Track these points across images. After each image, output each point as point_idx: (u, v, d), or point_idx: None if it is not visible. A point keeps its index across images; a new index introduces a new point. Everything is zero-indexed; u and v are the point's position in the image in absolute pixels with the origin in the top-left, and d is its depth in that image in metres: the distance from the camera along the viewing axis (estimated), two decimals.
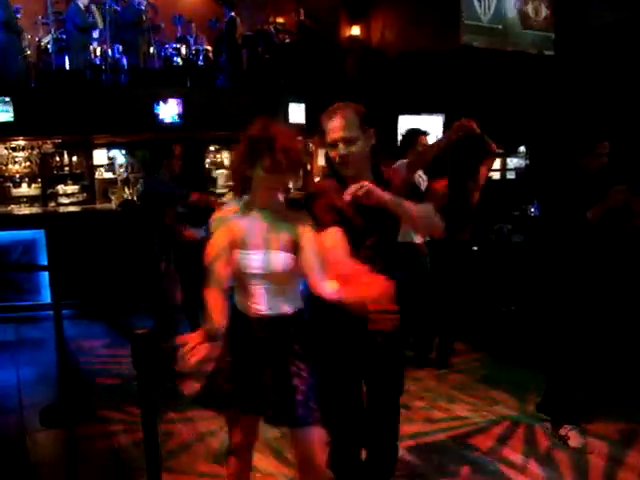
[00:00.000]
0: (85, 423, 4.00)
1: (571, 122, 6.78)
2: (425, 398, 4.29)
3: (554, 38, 8.74)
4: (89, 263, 6.57)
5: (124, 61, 8.86)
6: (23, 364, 5.21)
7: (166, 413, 4.04)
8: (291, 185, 2.30)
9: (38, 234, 6.80)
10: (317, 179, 2.21)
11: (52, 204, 8.28)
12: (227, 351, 2.33)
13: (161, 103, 8.25)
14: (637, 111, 6.77)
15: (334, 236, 2.22)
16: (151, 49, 9.44)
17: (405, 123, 7.98)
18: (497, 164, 8.81)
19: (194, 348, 2.06)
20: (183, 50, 9.83)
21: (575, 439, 3.56)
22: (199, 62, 9.82)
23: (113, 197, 8.43)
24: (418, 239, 4.55)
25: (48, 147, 8.39)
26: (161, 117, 8.28)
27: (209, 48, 10.12)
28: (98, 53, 8.75)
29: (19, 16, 8.47)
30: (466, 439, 3.69)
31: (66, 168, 8.68)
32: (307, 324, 2.37)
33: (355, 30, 10.41)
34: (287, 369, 2.25)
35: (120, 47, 8.90)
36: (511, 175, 9.57)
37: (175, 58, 9.72)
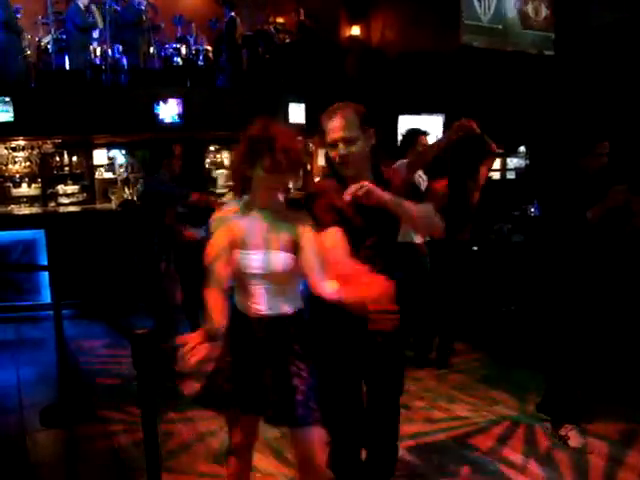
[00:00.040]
0: (85, 423, 4.00)
1: (571, 122, 6.78)
2: (425, 398, 4.29)
3: (554, 38, 8.74)
4: (89, 263, 6.57)
5: (124, 61, 8.86)
6: (23, 364, 5.21)
7: (166, 413, 4.04)
8: (291, 185, 2.30)
9: (38, 234, 6.80)
10: (317, 179, 2.20)
11: (52, 204, 8.28)
12: (227, 351, 2.33)
13: (161, 103, 8.25)
14: (637, 111, 6.77)
15: (334, 236, 2.22)
16: (151, 49, 9.44)
17: (405, 123, 7.98)
18: (497, 164, 8.81)
19: (194, 348, 2.06)
20: (183, 50, 9.83)
21: (575, 439, 3.56)
22: (199, 62, 9.83)
23: (113, 197, 8.43)
24: (418, 239, 4.55)
25: (48, 147, 8.38)
26: (161, 117, 8.28)
27: (209, 48, 10.12)
28: (98, 53, 8.75)
29: (19, 16, 8.47)
30: (466, 439, 3.69)
31: (66, 168, 8.67)
32: (307, 324, 2.37)
33: (355, 30, 10.41)
34: (287, 369, 2.25)
35: (120, 47, 8.90)
36: (511, 175, 9.57)
37: (175, 58, 9.73)
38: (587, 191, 3.43)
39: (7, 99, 7.60)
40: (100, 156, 8.73)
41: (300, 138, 2.28)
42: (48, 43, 8.89)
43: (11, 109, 7.62)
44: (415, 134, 4.52)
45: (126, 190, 8.58)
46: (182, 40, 10.04)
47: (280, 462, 3.36)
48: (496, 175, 8.97)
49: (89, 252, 6.65)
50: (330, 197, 2.33)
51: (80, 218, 7.55)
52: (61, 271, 4.95)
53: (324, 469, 2.35)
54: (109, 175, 8.76)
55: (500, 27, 8.43)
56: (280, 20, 10.79)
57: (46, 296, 6.65)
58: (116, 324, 3.09)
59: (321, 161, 9.02)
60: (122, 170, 8.76)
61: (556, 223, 3.62)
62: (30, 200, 8.37)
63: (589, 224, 3.41)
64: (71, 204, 8.34)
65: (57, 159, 8.59)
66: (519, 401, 4.22)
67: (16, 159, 8.38)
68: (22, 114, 7.65)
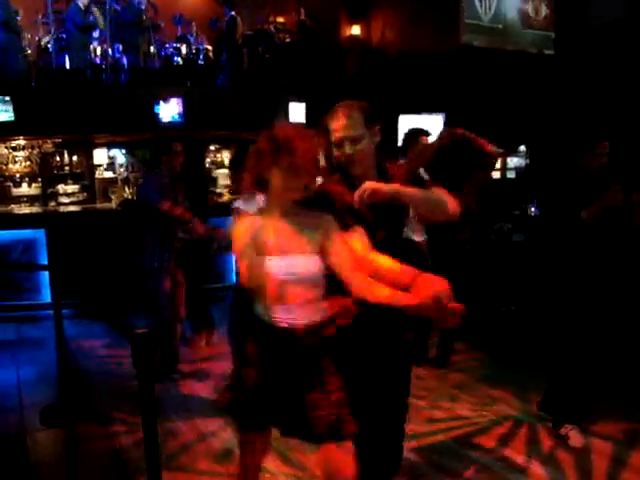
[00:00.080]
0: (85, 423, 4.00)
1: (571, 121, 6.78)
2: (426, 398, 4.28)
3: (554, 37, 8.74)
4: (89, 262, 6.57)
5: (124, 60, 8.86)
6: (23, 363, 5.21)
7: (166, 413, 4.04)
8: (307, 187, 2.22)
9: (38, 233, 6.80)
10: (319, 179, 2.19)
11: (52, 203, 8.27)
12: (252, 364, 2.22)
13: (161, 102, 8.24)
14: (637, 111, 6.77)
15: (362, 237, 2.20)
16: (151, 48, 9.42)
17: (405, 123, 7.97)
18: (497, 163, 8.80)
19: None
20: (183, 49, 9.83)
21: (575, 438, 3.55)
22: (199, 61, 9.82)
23: (113, 196, 8.43)
24: (418, 237, 4.54)
25: (48, 146, 8.38)
26: (161, 116, 8.27)
27: (209, 47, 10.12)
28: (98, 52, 8.75)
29: (19, 18, 8.46)
30: (468, 439, 3.69)
31: (66, 167, 8.65)
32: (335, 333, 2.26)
33: (355, 29, 10.40)
34: (314, 381, 2.16)
35: (120, 46, 8.90)
36: (511, 174, 9.56)
37: (175, 57, 9.72)
38: (586, 191, 3.43)
39: (7, 98, 7.59)
40: (100, 155, 8.72)
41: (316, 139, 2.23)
42: (48, 42, 8.88)
43: (11, 108, 7.61)
44: (416, 134, 4.50)
45: (126, 189, 8.58)
46: (182, 39, 10.04)
47: (281, 461, 3.35)
48: (496, 174, 8.96)
49: (89, 251, 6.64)
50: (345, 198, 2.30)
51: (80, 217, 7.55)
52: (61, 270, 4.95)
53: None
54: (109, 174, 8.75)
55: (500, 26, 8.43)
56: (280, 20, 10.79)
57: (46, 295, 6.65)
58: (116, 324, 3.08)
59: (321, 161, 9.00)
60: (122, 169, 8.76)
61: (554, 222, 3.62)
62: (30, 199, 8.36)
63: (584, 223, 3.41)
64: (71, 203, 8.33)
65: (57, 158, 8.58)
66: (520, 400, 4.22)
67: (16, 158, 8.37)
68: (22, 113, 7.64)
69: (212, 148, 9.45)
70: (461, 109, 7.99)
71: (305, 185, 2.15)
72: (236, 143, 8.29)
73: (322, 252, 2.15)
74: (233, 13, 9.55)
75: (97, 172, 8.66)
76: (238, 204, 3.37)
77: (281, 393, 2.18)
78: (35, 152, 8.38)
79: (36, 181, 8.45)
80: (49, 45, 8.85)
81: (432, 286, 1.95)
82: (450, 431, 3.80)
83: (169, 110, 8.29)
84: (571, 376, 3.63)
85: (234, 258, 2.18)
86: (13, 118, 7.62)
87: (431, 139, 4.51)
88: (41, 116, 7.74)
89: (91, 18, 8.75)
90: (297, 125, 2.22)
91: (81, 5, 8.59)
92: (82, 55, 8.59)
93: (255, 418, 2.21)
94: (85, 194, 8.58)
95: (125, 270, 5.53)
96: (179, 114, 8.30)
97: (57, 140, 8.36)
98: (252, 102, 8.40)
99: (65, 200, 8.40)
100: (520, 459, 3.42)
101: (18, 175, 8.37)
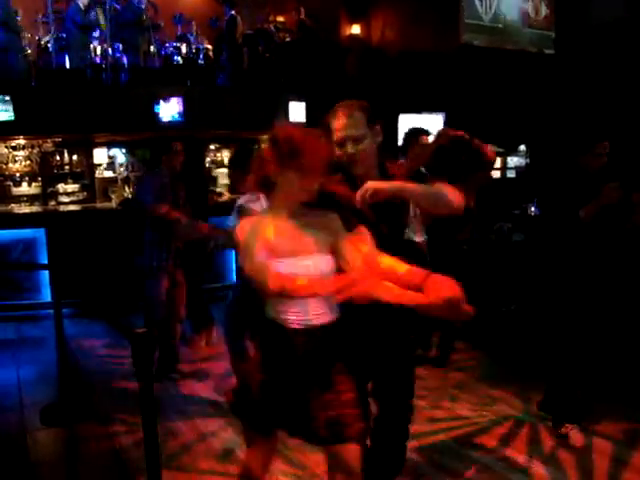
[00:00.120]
0: (85, 422, 4.00)
1: (571, 121, 6.78)
2: (427, 398, 4.27)
3: (554, 37, 8.75)
4: (89, 262, 6.56)
5: (124, 60, 8.84)
6: (23, 363, 5.21)
7: (166, 413, 4.04)
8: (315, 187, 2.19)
9: (38, 233, 6.80)
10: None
11: (52, 203, 8.26)
12: (263, 365, 2.22)
13: (161, 102, 8.23)
14: (637, 111, 6.77)
15: (368, 238, 2.19)
16: (151, 48, 9.41)
17: (406, 122, 7.97)
18: (497, 163, 8.80)
19: None
20: (183, 49, 9.81)
21: (576, 438, 3.55)
22: (199, 61, 9.81)
23: (113, 196, 8.42)
24: (418, 237, 4.53)
25: (48, 146, 8.37)
26: (161, 116, 8.26)
27: (209, 47, 10.10)
28: (98, 52, 8.73)
29: (19, 18, 8.45)
30: (468, 439, 3.69)
31: (66, 167, 8.64)
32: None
33: (355, 29, 10.40)
34: (325, 383, 2.15)
35: (120, 46, 8.88)
36: (511, 174, 9.56)
37: (175, 57, 9.70)
38: (586, 190, 3.43)
39: (7, 98, 7.57)
40: (100, 155, 8.71)
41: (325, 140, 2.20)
42: (48, 42, 8.87)
43: (11, 108, 7.60)
44: (417, 133, 4.50)
45: (126, 189, 8.57)
46: (182, 39, 10.02)
47: (281, 461, 3.33)
48: (496, 174, 8.97)
49: (89, 251, 6.64)
50: (350, 199, 2.28)
51: (80, 217, 7.54)
52: (61, 270, 4.95)
53: None
54: (109, 174, 8.74)
55: (500, 26, 8.44)
56: (280, 19, 10.78)
57: (46, 295, 6.65)
58: (116, 323, 3.08)
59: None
60: (122, 169, 8.74)
61: (554, 222, 3.62)
62: (30, 199, 8.35)
63: (582, 223, 3.41)
64: (71, 203, 8.32)
65: (57, 158, 8.57)
66: (521, 400, 4.22)
67: (16, 158, 8.36)
68: (22, 113, 7.64)
69: (212, 147, 9.44)
70: (461, 108, 8.00)
71: (315, 185, 2.13)
72: (236, 142, 8.32)
73: (333, 252, 2.14)
74: (233, 12, 9.55)
75: (97, 171, 8.65)
76: (242, 201, 3.34)
77: (289, 395, 2.16)
78: (35, 151, 8.37)
79: (36, 180, 8.44)
80: (49, 45, 8.84)
81: (443, 287, 1.93)
82: (451, 431, 3.80)
83: (169, 109, 8.28)
84: (571, 376, 3.63)
85: (238, 258, 2.16)
86: (13, 117, 7.61)
87: (431, 138, 4.51)
88: (41, 115, 7.73)
89: (91, 17, 8.75)
90: (300, 125, 2.21)
91: (81, 5, 8.59)
92: (82, 55, 8.59)
93: (262, 422, 2.20)
94: (85, 193, 8.57)
95: (125, 270, 5.53)
96: (179, 113, 8.30)
97: (57, 139, 8.35)
98: (252, 101, 8.39)
99: (65, 199, 8.39)
100: (521, 459, 3.42)
101: (18, 174, 8.36)
